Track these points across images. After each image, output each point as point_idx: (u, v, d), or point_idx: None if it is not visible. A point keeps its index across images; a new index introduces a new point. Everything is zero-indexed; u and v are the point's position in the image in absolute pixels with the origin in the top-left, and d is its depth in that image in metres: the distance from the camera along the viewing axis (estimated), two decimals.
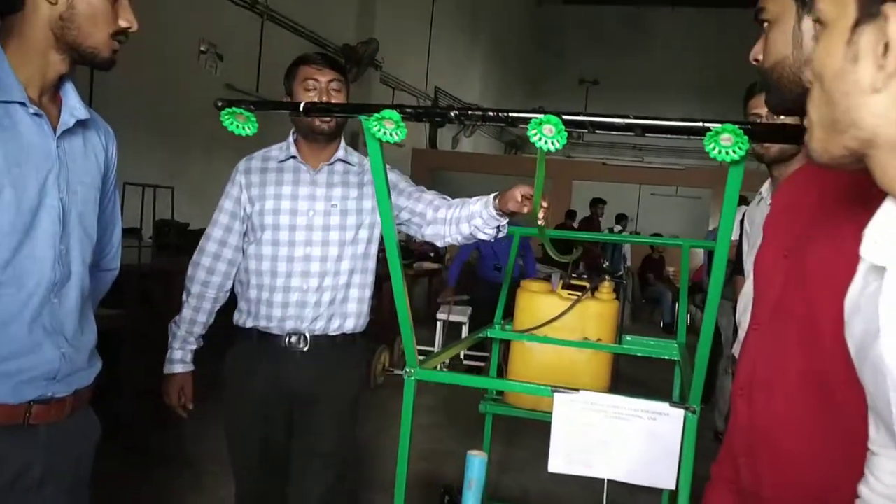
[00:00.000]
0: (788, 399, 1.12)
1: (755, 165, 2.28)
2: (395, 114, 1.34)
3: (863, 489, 0.83)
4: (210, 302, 2.25)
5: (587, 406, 1.54)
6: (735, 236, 2.69)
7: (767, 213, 1.40)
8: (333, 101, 2.15)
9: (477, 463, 1.38)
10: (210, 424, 2.91)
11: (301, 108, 1.51)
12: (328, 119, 2.13)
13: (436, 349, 6.12)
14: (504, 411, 2.91)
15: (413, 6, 12.57)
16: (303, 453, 2.23)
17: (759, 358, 1.21)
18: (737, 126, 1.12)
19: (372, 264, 2.27)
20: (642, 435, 1.51)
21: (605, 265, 9.42)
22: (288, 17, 8.77)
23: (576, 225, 11.49)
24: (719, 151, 1.13)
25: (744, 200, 3.31)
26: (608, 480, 1.55)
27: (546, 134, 1.25)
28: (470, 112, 1.39)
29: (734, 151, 1.13)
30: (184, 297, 2.26)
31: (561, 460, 1.56)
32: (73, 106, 1.46)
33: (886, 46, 0.67)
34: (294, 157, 2.21)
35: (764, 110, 2.14)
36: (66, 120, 1.43)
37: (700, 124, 1.16)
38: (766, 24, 1.13)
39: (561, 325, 2.70)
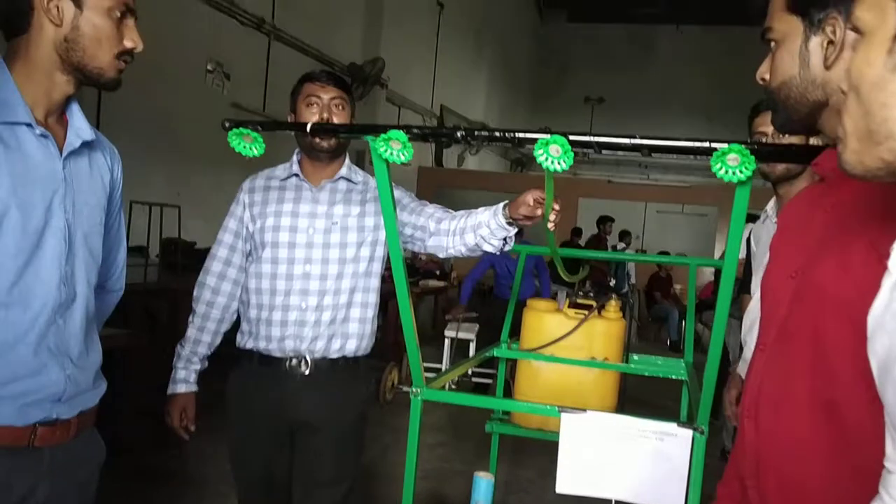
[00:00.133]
0: (795, 421, 1.11)
1: (761, 183, 2.28)
2: (401, 134, 1.34)
3: None
4: (215, 322, 2.23)
5: (595, 426, 1.53)
6: (742, 255, 2.69)
7: (774, 233, 1.40)
8: (335, 118, 2.14)
9: (484, 485, 1.38)
10: (215, 444, 2.89)
11: (308, 129, 1.52)
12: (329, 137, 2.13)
13: (444, 367, 6.11)
14: (511, 431, 2.89)
15: (419, 25, 12.66)
16: (304, 481, 2.19)
17: (766, 378, 1.20)
18: (743, 146, 1.12)
19: (375, 283, 2.23)
20: (650, 455, 1.50)
21: (611, 283, 9.41)
22: (295, 36, 8.83)
23: (582, 243, 11.49)
24: (726, 172, 1.13)
25: (752, 218, 3.30)
26: (616, 501, 1.55)
27: (553, 154, 1.24)
28: (476, 132, 1.39)
29: (741, 171, 1.13)
30: (190, 317, 2.25)
31: (568, 480, 1.55)
32: (79, 127, 1.46)
33: None
34: (297, 174, 2.21)
35: (769, 129, 2.13)
36: (72, 141, 1.44)
37: (707, 144, 1.16)
38: (772, 44, 1.13)
39: (568, 344, 2.69)
